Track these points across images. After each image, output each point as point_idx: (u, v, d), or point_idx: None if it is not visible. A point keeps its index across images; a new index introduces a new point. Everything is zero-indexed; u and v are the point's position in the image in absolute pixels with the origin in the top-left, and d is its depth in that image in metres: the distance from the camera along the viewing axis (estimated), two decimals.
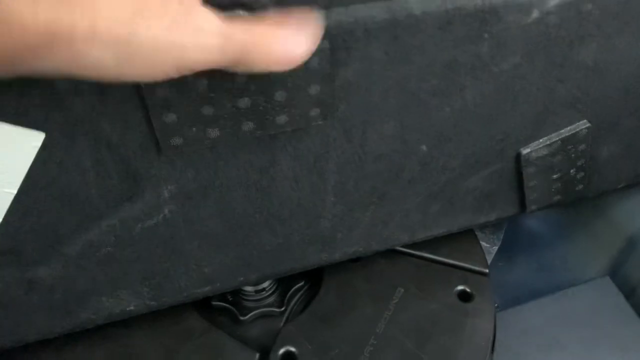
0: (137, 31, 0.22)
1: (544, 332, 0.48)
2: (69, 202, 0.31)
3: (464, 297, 0.43)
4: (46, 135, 0.28)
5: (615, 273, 0.52)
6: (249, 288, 0.44)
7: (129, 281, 0.36)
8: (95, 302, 0.37)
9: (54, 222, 0.32)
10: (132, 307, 0.38)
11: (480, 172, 0.39)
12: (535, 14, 0.32)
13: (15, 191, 0.28)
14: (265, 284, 0.44)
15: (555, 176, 0.40)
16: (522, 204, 0.42)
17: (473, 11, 0.31)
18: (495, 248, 0.59)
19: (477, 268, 0.45)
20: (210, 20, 0.24)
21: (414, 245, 0.45)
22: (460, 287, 0.43)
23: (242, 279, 0.40)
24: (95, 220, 0.33)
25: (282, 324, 0.43)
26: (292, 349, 0.39)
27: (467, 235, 0.47)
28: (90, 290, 0.36)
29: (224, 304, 0.44)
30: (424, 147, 0.36)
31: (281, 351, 0.39)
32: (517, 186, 0.41)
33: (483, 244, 0.53)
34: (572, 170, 0.40)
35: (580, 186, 0.42)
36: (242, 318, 0.43)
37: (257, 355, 0.39)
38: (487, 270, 0.45)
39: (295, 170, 0.35)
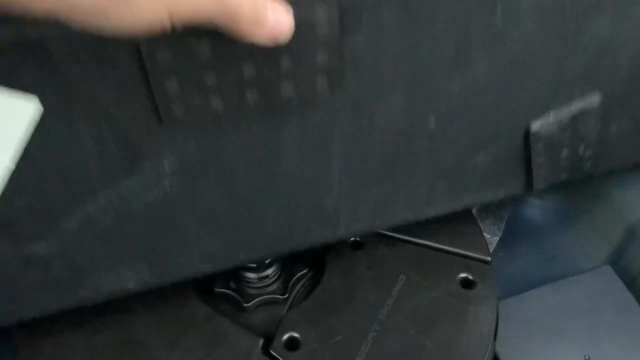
0: None
1: (546, 321, 0.48)
2: (66, 175, 0.31)
3: (467, 284, 0.43)
4: (43, 104, 0.27)
5: (617, 262, 0.52)
6: (251, 275, 0.44)
7: (128, 257, 0.35)
8: (93, 279, 0.36)
9: (51, 196, 0.31)
10: (131, 285, 0.37)
11: (488, 147, 0.39)
12: None
13: (12, 164, 0.27)
14: (269, 271, 0.44)
15: (563, 154, 0.39)
16: (529, 182, 0.41)
17: None
18: (497, 239, 0.59)
19: (479, 256, 0.45)
20: None
21: (417, 233, 0.46)
22: (462, 275, 0.44)
23: (243, 257, 0.39)
24: (93, 194, 0.32)
25: (285, 310, 0.43)
26: (296, 334, 0.39)
27: (469, 223, 0.48)
28: (88, 266, 0.35)
29: (227, 291, 0.44)
30: (432, 121, 0.36)
31: (285, 337, 0.39)
32: (525, 163, 0.40)
33: (484, 234, 0.53)
34: (580, 148, 0.39)
35: (588, 164, 0.42)
36: (245, 305, 0.43)
37: (261, 341, 0.39)
38: (489, 258, 0.45)
39: (301, 144, 0.34)
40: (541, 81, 0.36)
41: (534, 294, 0.50)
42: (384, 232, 0.46)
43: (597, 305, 0.48)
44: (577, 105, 0.38)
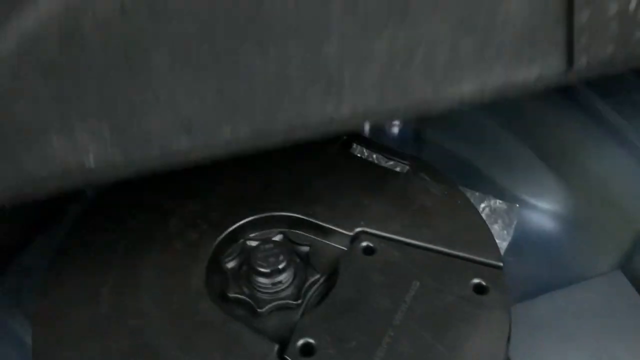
0: None
1: (556, 326, 0.48)
2: None
3: (480, 290, 0.43)
4: None
5: (627, 266, 0.52)
6: (265, 280, 0.44)
7: (83, 111, 0.28)
8: (41, 142, 0.28)
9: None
10: (91, 159, 0.29)
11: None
12: None
13: None
14: (282, 277, 0.44)
15: (611, 9, 0.32)
16: (570, 55, 0.34)
17: None
18: (506, 244, 0.59)
19: (491, 261, 0.45)
20: None
21: (429, 239, 0.46)
22: (475, 280, 0.44)
23: (228, 129, 0.31)
24: None
25: (298, 316, 0.43)
26: (311, 340, 0.40)
27: (480, 229, 0.48)
28: (33, 121, 0.28)
29: (241, 296, 0.44)
30: None
31: (300, 342, 0.39)
32: (566, 22, 0.33)
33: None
34: (632, 2, 0.32)
35: (639, 32, 0.34)
36: (259, 310, 0.43)
37: (276, 347, 0.39)
38: (501, 264, 0.45)
39: None
40: None
41: (544, 299, 0.50)
42: (396, 237, 0.46)
43: (608, 310, 0.49)
44: None
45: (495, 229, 0.59)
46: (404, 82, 0.32)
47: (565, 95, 0.60)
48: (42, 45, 0.26)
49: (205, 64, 0.29)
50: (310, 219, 0.48)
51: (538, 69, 0.34)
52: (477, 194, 0.60)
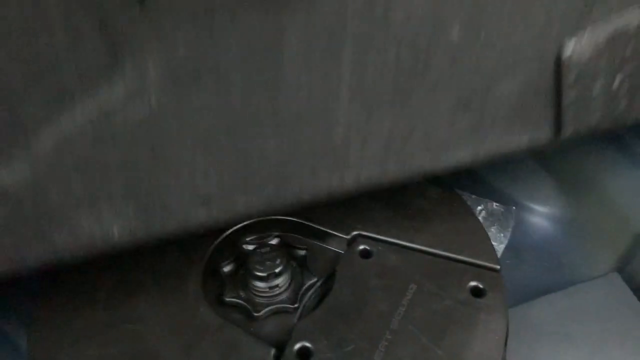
0: None
1: (554, 328, 0.48)
2: (34, 71, 0.25)
3: (477, 292, 0.43)
4: None
5: (624, 269, 0.52)
6: (261, 284, 0.44)
7: (109, 193, 0.30)
8: (70, 219, 0.31)
9: (19, 103, 0.26)
10: (115, 231, 0.32)
11: (516, 75, 0.34)
12: None
13: None
14: (278, 280, 0.44)
15: (596, 88, 0.35)
16: (558, 126, 0.37)
17: None
18: (502, 247, 0.59)
19: (488, 264, 0.45)
20: None
21: (426, 242, 0.46)
22: (472, 283, 0.44)
23: (243, 200, 0.34)
24: (69, 102, 0.27)
25: (295, 320, 0.43)
26: (308, 344, 0.39)
27: (477, 232, 0.48)
28: (64, 203, 0.30)
29: (237, 300, 0.44)
30: (455, 32, 0.31)
31: (297, 346, 0.39)
32: (554, 100, 0.36)
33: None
34: (616, 81, 0.35)
35: (623, 103, 0.37)
36: (255, 314, 0.43)
37: (273, 351, 0.39)
38: (498, 267, 0.45)
39: (307, 48, 0.29)
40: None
41: (541, 301, 0.50)
42: (393, 240, 0.46)
43: (605, 312, 0.49)
44: (614, 24, 0.33)
45: (492, 231, 0.59)
46: (404, 155, 0.35)
47: None
48: (76, 144, 0.28)
49: (224, 148, 0.31)
50: (307, 223, 0.47)
51: (528, 138, 0.37)
52: (473, 196, 0.61)
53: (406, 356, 0.39)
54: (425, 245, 0.46)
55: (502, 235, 0.59)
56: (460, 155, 0.37)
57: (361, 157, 0.34)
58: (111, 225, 0.31)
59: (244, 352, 0.39)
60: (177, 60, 0.28)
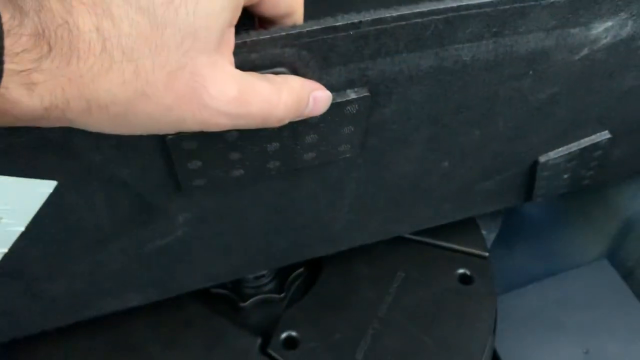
0: (136, 110, 0.21)
1: (544, 315, 0.48)
2: (79, 231, 0.30)
3: (465, 280, 0.43)
4: (59, 180, 0.27)
5: (613, 256, 0.52)
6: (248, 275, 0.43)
7: (135, 286, 0.36)
8: (99, 303, 0.36)
9: (63, 247, 0.31)
10: (134, 303, 0.38)
11: (495, 177, 0.39)
12: (584, 52, 0.31)
13: (23, 228, 0.27)
14: (265, 271, 0.44)
15: (565, 176, 0.40)
16: (529, 197, 0.42)
17: (524, 54, 0.30)
18: (493, 235, 0.59)
19: (477, 252, 0.45)
20: (223, 94, 0.22)
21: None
22: (461, 271, 0.43)
23: (244, 273, 0.40)
24: (105, 244, 0.32)
25: (282, 309, 0.43)
26: (294, 333, 0.39)
27: (466, 220, 0.47)
28: (95, 297, 0.36)
29: (224, 291, 0.43)
30: (446, 164, 0.36)
31: (283, 335, 0.39)
32: (528, 185, 0.41)
33: (481, 230, 0.53)
34: (582, 171, 0.41)
35: (587, 181, 0.43)
36: (242, 304, 0.42)
37: (259, 340, 0.39)
38: (487, 254, 0.45)
39: (316, 190, 0.34)
40: (557, 126, 0.36)
41: (531, 289, 0.50)
42: None
43: (595, 299, 0.48)
44: (587, 140, 0.38)
45: (483, 220, 0.59)
46: (393, 229, 0.42)
47: None
48: (109, 264, 0.34)
49: (235, 250, 0.37)
50: None
51: (503, 205, 0.45)
52: None
53: (394, 344, 0.39)
54: (414, 234, 0.45)
55: (492, 224, 0.59)
56: (440, 222, 0.43)
57: (355, 236, 0.40)
58: (133, 301, 0.37)
59: (229, 342, 0.39)
60: (204, 214, 0.32)
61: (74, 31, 0.19)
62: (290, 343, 0.39)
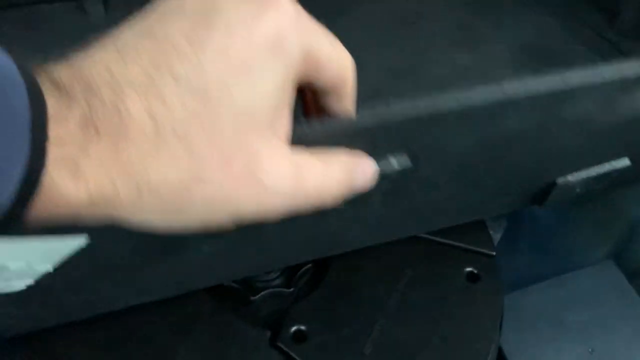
0: (191, 195, 0.20)
1: (549, 314, 0.48)
2: (104, 267, 0.31)
3: (472, 278, 0.43)
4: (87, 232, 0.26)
5: (619, 256, 0.52)
6: None
7: (153, 290, 0.37)
8: (113, 303, 0.37)
9: (87, 277, 0.32)
10: (148, 300, 0.38)
11: (511, 193, 0.40)
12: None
13: (52, 270, 0.27)
14: None
15: (579, 190, 0.40)
16: (539, 204, 0.43)
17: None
18: (499, 235, 0.60)
19: (484, 250, 0.45)
20: (279, 173, 0.21)
21: None
22: (468, 269, 0.44)
23: (256, 273, 0.42)
24: (127, 273, 0.33)
25: (290, 303, 0.43)
26: (303, 327, 0.40)
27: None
28: (113, 299, 0.37)
29: (233, 285, 0.44)
30: (467, 191, 0.37)
31: (292, 329, 0.39)
32: (541, 196, 0.41)
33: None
34: (597, 186, 0.41)
35: (599, 191, 0.43)
36: (251, 298, 0.43)
37: (268, 333, 0.39)
38: (494, 253, 0.45)
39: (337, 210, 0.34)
40: (577, 153, 0.37)
41: (537, 288, 0.50)
42: None
43: (600, 299, 0.49)
44: (605, 167, 0.38)
45: (488, 220, 0.59)
46: (397, 232, 0.42)
47: None
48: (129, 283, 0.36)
49: (243, 256, 0.37)
50: None
51: (512, 209, 0.47)
52: None
53: (400, 339, 0.39)
54: (421, 232, 0.46)
55: (497, 223, 0.59)
56: (447, 224, 0.44)
57: (358, 238, 0.40)
58: (147, 298, 0.38)
59: (239, 335, 0.40)
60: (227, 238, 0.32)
61: (125, 115, 0.18)
62: (299, 336, 0.39)
